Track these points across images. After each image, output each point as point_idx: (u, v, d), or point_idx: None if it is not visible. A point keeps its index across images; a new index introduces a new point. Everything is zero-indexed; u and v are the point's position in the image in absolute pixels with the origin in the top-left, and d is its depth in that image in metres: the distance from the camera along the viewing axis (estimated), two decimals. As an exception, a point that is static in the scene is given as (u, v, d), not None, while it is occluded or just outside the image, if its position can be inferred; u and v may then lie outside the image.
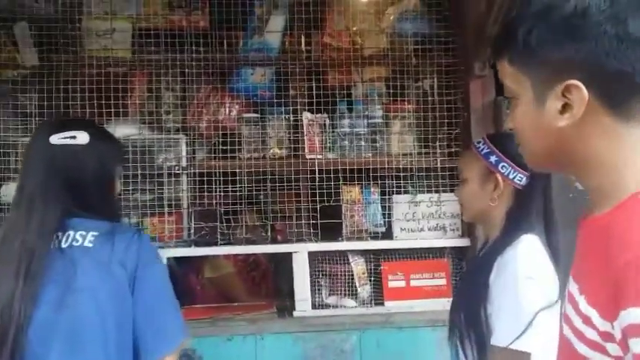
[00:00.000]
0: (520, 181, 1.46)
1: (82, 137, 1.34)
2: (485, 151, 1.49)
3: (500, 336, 1.31)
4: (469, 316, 1.43)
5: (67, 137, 1.33)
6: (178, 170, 2.31)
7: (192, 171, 2.33)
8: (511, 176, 1.46)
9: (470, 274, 1.56)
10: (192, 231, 2.31)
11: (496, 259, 1.41)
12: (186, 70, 2.35)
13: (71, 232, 1.29)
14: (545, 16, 0.76)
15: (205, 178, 2.30)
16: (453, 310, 1.54)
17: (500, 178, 1.47)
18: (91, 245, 1.27)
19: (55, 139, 1.32)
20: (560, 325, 0.84)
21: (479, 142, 1.53)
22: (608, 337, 0.68)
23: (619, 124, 0.75)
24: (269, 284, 2.72)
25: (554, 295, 1.32)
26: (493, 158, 1.47)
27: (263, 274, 2.72)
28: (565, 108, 0.76)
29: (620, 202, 0.73)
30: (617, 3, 0.73)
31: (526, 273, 1.33)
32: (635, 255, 0.65)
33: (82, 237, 1.28)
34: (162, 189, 2.28)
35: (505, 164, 1.46)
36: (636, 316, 0.62)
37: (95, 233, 1.29)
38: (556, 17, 0.75)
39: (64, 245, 1.27)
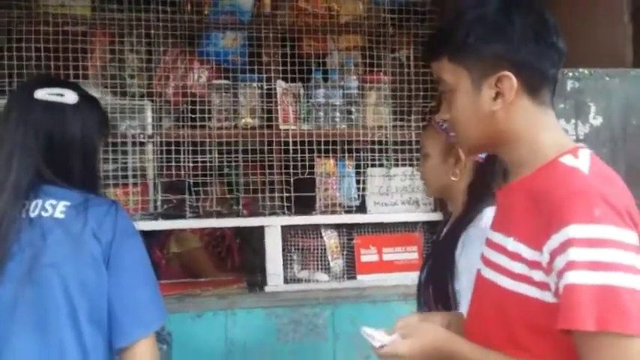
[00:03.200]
0: (481, 154, 1.44)
1: (71, 96, 1.22)
2: (445, 125, 1.44)
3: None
4: (437, 292, 1.42)
5: (54, 94, 1.20)
6: (144, 139, 2.17)
7: (158, 140, 2.20)
8: None
9: (436, 250, 1.55)
10: (158, 203, 2.20)
11: (460, 234, 1.40)
12: (152, 31, 2.19)
13: (40, 201, 1.17)
14: (480, 22, 0.95)
15: (173, 148, 2.19)
16: (422, 286, 1.53)
17: (461, 152, 1.44)
18: (62, 216, 1.16)
19: (41, 94, 1.20)
20: (476, 273, 1.02)
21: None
22: (535, 265, 0.86)
23: (535, 107, 0.95)
24: (235, 259, 2.65)
25: None
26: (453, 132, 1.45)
27: (228, 248, 2.64)
28: (497, 95, 0.94)
29: (542, 165, 0.93)
30: (536, 14, 0.94)
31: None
32: (568, 191, 0.85)
33: (51, 207, 1.16)
34: (127, 158, 2.14)
35: None
36: (574, 230, 0.80)
37: (67, 203, 1.17)
38: (489, 22, 0.94)
39: (32, 214, 1.15)
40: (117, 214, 1.20)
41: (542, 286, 0.86)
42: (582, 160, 0.90)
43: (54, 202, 1.17)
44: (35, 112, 1.20)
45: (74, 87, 1.28)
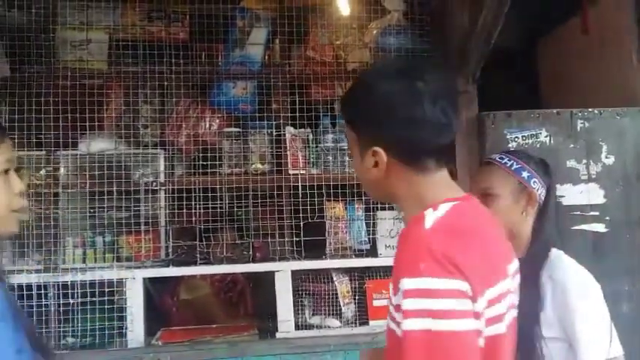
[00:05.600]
0: (542, 196, 1.52)
1: None
2: (515, 166, 1.52)
3: (596, 350, 1.34)
4: (520, 334, 1.41)
5: None
6: (156, 186, 2.22)
7: (170, 187, 2.24)
8: (539, 191, 1.51)
9: None
10: (169, 250, 2.22)
11: (539, 277, 1.42)
12: (165, 82, 2.28)
13: None
14: (359, 99, 1.07)
15: (184, 195, 2.23)
16: None
17: (534, 192, 1.50)
18: None
19: None
20: None
21: (502, 159, 1.56)
22: (397, 308, 0.95)
23: (415, 173, 1.04)
24: (247, 304, 2.63)
25: None
26: (525, 174, 1.51)
27: (240, 293, 2.63)
28: (376, 164, 1.05)
29: (412, 219, 1.04)
30: (409, 94, 1.01)
31: (590, 285, 1.39)
32: (406, 247, 1.00)
33: None
34: (139, 206, 2.19)
35: (536, 180, 1.50)
36: (405, 283, 0.93)
37: None
38: (365, 102, 1.05)
39: None
40: None
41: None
42: (436, 213, 1.00)
43: None
44: None
45: None
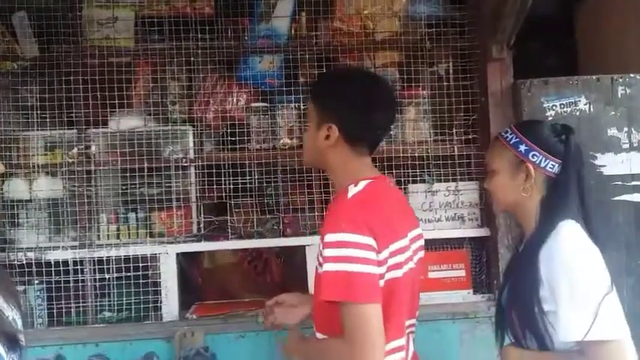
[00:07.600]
0: (552, 168, 1.41)
1: None
2: (513, 140, 1.44)
3: (572, 330, 1.26)
4: (524, 315, 1.36)
5: None
6: (186, 162, 2.23)
7: (200, 163, 2.24)
8: (542, 164, 1.41)
9: (513, 270, 1.48)
10: (201, 225, 2.23)
11: (538, 252, 1.35)
12: (192, 58, 2.27)
13: None
14: (323, 83, 1.47)
15: (214, 171, 2.23)
16: (503, 310, 1.46)
17: (531, 167, 1.41)
18: None
19: None
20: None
21: (506, 132, 1.48)
22: (320, 254, 1.30)
23: (351, 152, 1.38)
24: (274, 273, 2.62)
25: (608, 279, 1.30)
26: (522, 147, 1.42)
27: (265, 263, 2.63)
28: (327, 137, 1.36)
29: (339, 191, 1.39)
30: (372, 96, 1.36)
31: (578, 262, 1.30)
32: (332, 210, 1.36)
33: None
34: (170, 182, 2.20)
35: (535, 152, 1.41)
36: (328, 237, 1.25)
37: None
38: (328, 85, 1.43)
39: None
40: None
41: None
42: (356, 188, 1.34)
43: None
44: None
45: None
